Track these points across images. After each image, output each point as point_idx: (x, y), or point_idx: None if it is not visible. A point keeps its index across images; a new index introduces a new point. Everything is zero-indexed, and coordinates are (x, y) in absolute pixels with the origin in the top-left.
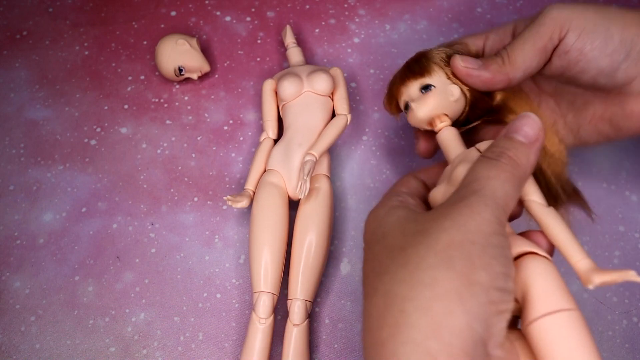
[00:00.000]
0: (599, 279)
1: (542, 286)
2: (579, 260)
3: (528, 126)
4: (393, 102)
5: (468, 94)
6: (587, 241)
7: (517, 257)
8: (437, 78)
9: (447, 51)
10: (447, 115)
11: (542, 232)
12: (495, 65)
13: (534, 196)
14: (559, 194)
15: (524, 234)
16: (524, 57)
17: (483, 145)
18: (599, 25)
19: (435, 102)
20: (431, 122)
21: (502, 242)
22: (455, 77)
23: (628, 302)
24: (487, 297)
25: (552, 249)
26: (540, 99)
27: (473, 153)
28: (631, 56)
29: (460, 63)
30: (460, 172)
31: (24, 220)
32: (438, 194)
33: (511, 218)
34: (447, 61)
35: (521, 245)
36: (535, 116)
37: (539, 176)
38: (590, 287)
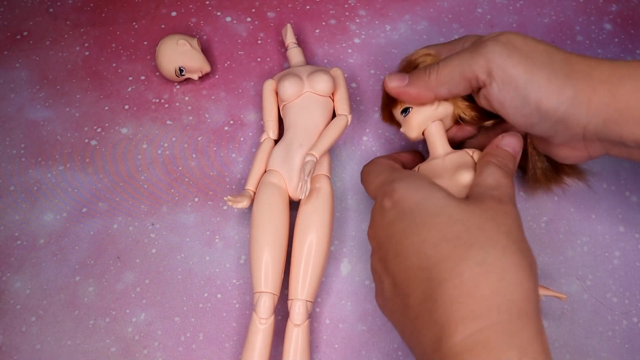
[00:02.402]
0: None
1: None
2: None
3: (514, 143)
4: (392, 121)
5: (455, 105)
6: (587, 241)
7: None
8: None
9: (411, 64)
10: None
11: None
12: (422, 82)
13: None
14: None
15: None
16: (451, 80)
17: (473, 153)
18: (521, 88)
19: (419, 119)
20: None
21: (524, 244)
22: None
23: (628, 302)
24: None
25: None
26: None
27: (466, 158)
28: (546, 122)
29: (388, 84)
30: (466, 177)
31: (24, 220)
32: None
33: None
34: None
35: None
36: (517, 135)
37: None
38: None
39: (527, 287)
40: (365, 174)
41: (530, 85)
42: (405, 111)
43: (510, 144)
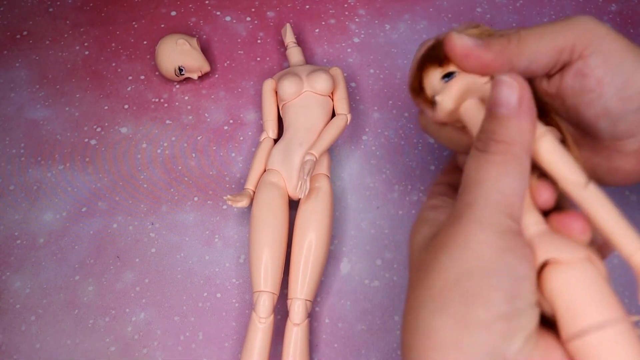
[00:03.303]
0: None
1: (570, 300)
2: (634, 251)
3: (506, 92)
4: (419, 94)
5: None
6: None
7: (544, 265)
8: None
9: (472, 32)
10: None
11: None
12: (499, 46)
13: (564, 173)
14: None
15: (560, 219)
16: (537, 48)
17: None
18: (627, 63)
19: (464, 86)
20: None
21: (510, 260)
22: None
23: (628, 301)
24: (488, 333)
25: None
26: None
27: None
28: None
29: (455, 42)
30: None
31: (24, 220)
32: None
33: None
34: None
35: (547, 251)
36: (510, 75)
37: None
38: None
39: None
40: None
41: (638, 63)
42: (449, 76)
43: (497, 100)
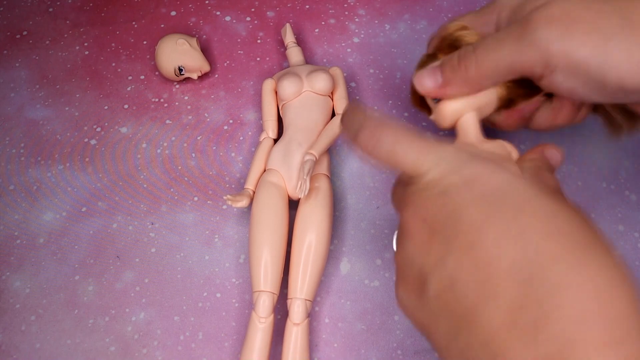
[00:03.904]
0: None
1: None
2: None
3: (559, 159)
4: (423, 106)
5: (502, 88)
6: None
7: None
8: None
9: (446, 41)
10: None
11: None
12: (459, 78)
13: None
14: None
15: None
16: (496, 73)
17: (508, 146)
18: (594, 71)
19: (453, 107)
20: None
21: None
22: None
23: None
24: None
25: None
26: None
27: (503, 150)
28: (634, 96)
29: (421, 85)
30: None
31: (24, 219)
32: None
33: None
34: None
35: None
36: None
37: None
38: None
39: None
40: (386, 137)
41: (607, 66)
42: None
43: (553, 156)
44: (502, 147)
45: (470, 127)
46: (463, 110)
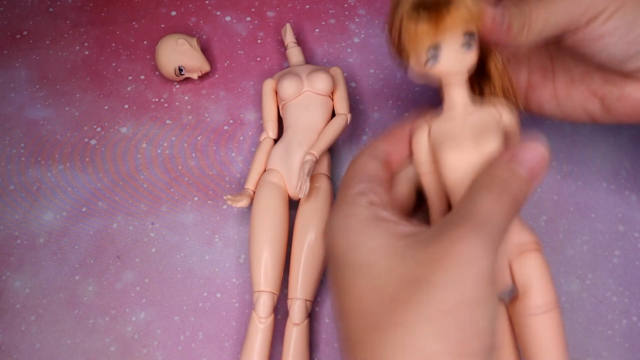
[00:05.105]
0: None
1: (539, 282)
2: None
3: (536, 161)
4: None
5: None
6: (587, 240)
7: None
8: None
9: None
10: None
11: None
12: (518, 24)
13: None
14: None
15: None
16: (546, 26)
17: (502, 112)
18: (629, 8)
19: (474, 57)
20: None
21: (494, 290)
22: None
23: (628, 301)
24: None
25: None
26: (537, 55)
27: (491, 117)
28: None
29: (493, 17)
30: (490, 146)
31: (24, 219)
32: (454, 160)
33: None
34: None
35: (521, 243)
36: (544, 147)
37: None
38: None
39: None
40: (344, 177)
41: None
42: (472, 36)
43: (532, 159)
44: (489, 114)
45: (464, 87)
46: (473, 66)
